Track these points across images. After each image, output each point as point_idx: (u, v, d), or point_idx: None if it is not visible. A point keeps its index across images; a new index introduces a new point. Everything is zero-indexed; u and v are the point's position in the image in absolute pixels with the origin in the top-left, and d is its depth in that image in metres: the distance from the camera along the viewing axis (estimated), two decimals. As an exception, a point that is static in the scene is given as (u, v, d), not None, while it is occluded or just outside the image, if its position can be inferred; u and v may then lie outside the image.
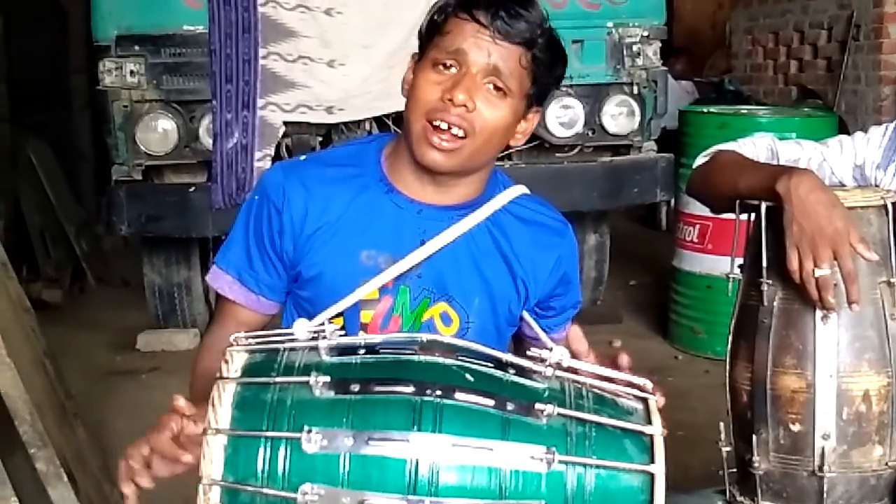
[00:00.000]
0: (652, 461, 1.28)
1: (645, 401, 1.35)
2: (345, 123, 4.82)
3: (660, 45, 5.17)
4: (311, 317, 1.52)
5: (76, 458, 2.98)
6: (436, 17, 1.61)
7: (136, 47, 4.77)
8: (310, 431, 1.24)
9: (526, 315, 1.72)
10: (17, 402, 2.72)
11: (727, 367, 1.84)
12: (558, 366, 1.33)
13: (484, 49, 1.56)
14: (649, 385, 1.36)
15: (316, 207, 1.65)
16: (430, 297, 1.66)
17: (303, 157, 1.77)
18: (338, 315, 1.61)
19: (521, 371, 1.34)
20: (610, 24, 5.00)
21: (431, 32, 1.61)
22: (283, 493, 1.24)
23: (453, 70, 1.57)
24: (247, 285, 1.70)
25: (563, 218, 1.78)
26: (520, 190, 1.73)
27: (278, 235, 1.66)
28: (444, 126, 1.57)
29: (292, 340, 1.35)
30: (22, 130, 6.91)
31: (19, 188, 6.71)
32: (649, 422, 1.32)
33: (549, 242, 1.73)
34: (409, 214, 1.66)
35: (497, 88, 1.58)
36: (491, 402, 1.28)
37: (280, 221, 1.65)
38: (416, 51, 1.67)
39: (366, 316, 1.65)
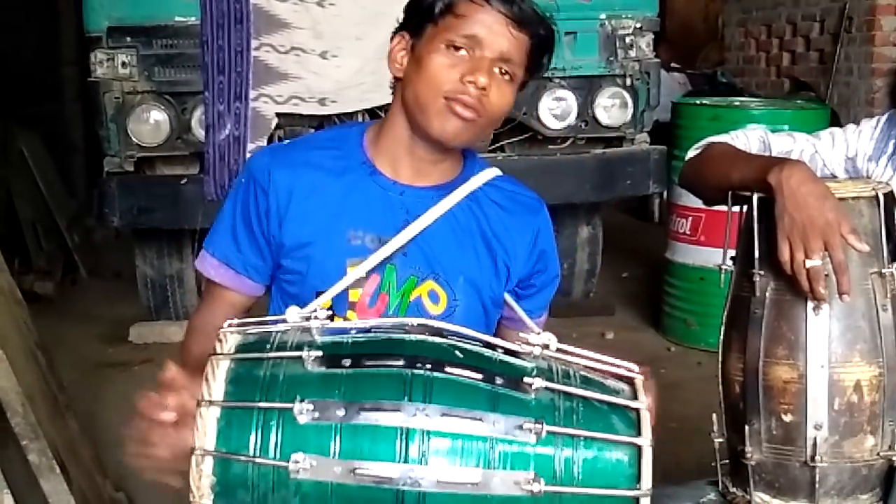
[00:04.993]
0: (639, 435, 1.29)
1: (631, 381, 1.37)
2: (337, 115, 4.81)
3: (653, 36, 5.17)
4: (298, 300, 1.55)
5: (68, 449, 2.97)
6: None
7: (128, 38, 4.75)
8: (302, 401, 1.25)
9: (507, 298, 1.76)
10: (9, 394, 2.72)
11: (719, 359, 1.84)
12: (545, 347, 1.35)
13: (499, 35, 1.61)
14: (636, 368, 1.37)
15: (301, 188, 1.69)
16: (416, 276, 1.70)
17: (287, 142, 1.83)
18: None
19: (509, 351, 1.37)
20: (603, 16, 5.00)
21: (440, 12, 1.62)
22: (275, 463, 1.25)
23: (463, 52, 1.61)
24: (233, 267, 1.73)
25: (536, 196, 1.83)
26: (494, 172, 1.78)
27: (265, 216, 1.70)
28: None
29: (284, 323, 1.37)
30: (13, 123, 6.88)
31: (11, 181, 6.68)
32: (636, 399, 1.34)
33: (525, 222, 1.78)
34: (392, 195, 1.70)
35: (503, 73, 1.63)
36: (480, 376, 1.30)
37: (266, 202, 1.69)
38: (402, 27, 1.69)
39: (354, 294, 1.68)
